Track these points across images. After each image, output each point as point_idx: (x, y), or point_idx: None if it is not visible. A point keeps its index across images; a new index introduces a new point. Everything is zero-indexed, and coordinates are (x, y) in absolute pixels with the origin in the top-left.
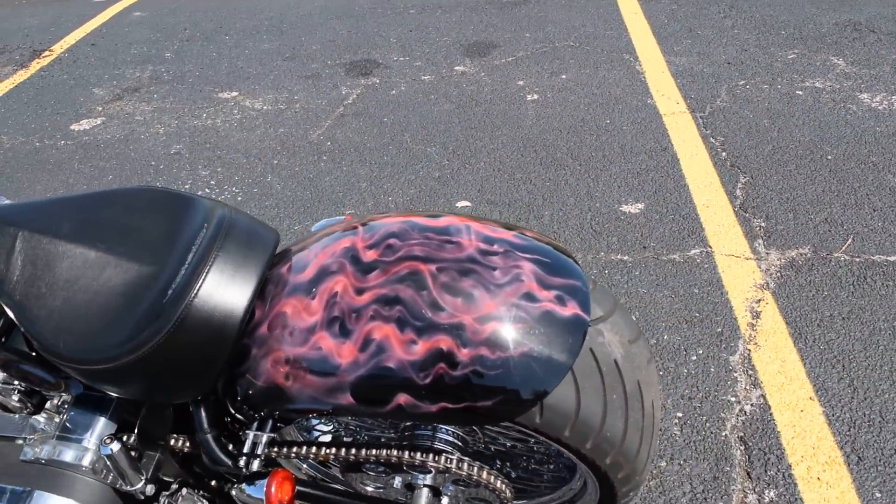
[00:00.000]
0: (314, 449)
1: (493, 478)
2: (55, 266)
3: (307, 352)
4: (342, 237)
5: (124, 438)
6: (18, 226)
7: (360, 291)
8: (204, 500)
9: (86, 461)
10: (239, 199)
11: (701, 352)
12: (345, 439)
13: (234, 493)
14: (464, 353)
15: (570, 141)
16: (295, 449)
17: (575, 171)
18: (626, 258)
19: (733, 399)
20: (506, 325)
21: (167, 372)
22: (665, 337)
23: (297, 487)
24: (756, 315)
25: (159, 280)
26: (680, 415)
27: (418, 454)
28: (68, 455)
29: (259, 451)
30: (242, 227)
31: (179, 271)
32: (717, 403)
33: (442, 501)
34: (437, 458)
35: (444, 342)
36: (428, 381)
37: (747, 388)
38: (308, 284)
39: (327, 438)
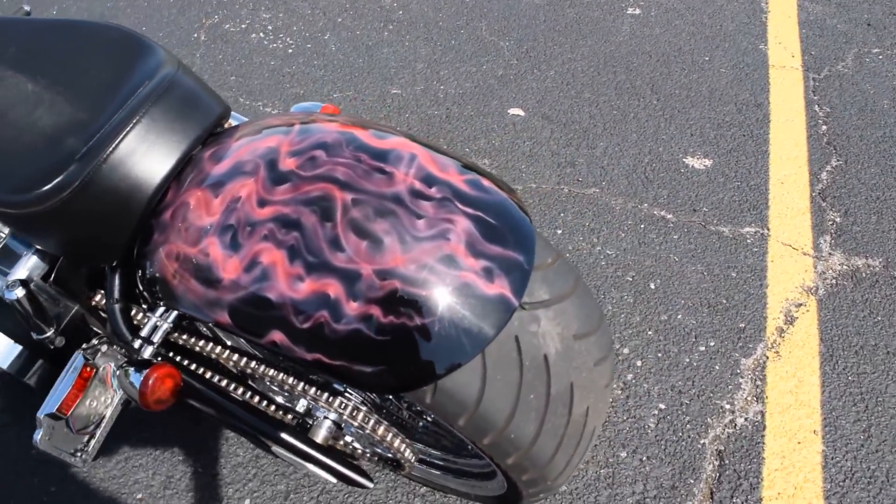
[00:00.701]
0: (210, 351)
1: (390, 435)
2: None
3: (195, 254)
4: (273, 134)
5: (31, 286)
6: None
7: (262, 203)
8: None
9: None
10: (290, 51)
11: (712, 344)
12: (248, 350)
13: (118, 373)
14: (352, 307)
15: (657, 70)
16: (191, 345)
17: (649, 105)
18: (669, 216)
19: (727, 406)
20: (410, 287)
21: (72, 231)
22: (679, 317)
23: (187, 389)
24: (790, 320)
25: (84, 131)
26: (662, 406)
27: (313, 389)
28: None
29: (154, 339)
30: (184, 93)
31: (104, 126)
32: (708, 406)
33: (345, 438)
34: (330, 400)
35: (333, 288)
36: (306, 326)
37: (748, 399)
38: (218, 179)
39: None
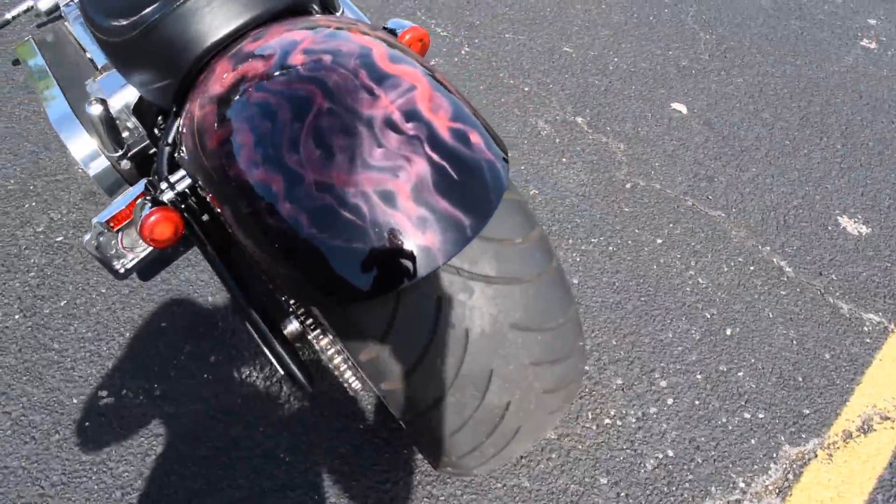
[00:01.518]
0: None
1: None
2: None
3: (199, 118)
4: (306, 29)
5: (108, 107)
6: None
7: (258, 88)
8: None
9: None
10: None
11: (761, 416)
12: None
13: (138, 202)
14: (285, 207)
15: (859, 114)
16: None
17: (830, 147)
18: (788, 269)
19: (741, 485)
20: (340, 208)
21: (141, 67)
22: (739, 374)
23: (188, 239)
24: (866, 429)
25: None
26: (670, 453)
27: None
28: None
29: (177, 187)
30: None
31: None
32: (720, 475)
33: (314, 342)
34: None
35: (276, 184)
36: (246, 211)
37: (769, 488)
38: (242, 56)
39: None
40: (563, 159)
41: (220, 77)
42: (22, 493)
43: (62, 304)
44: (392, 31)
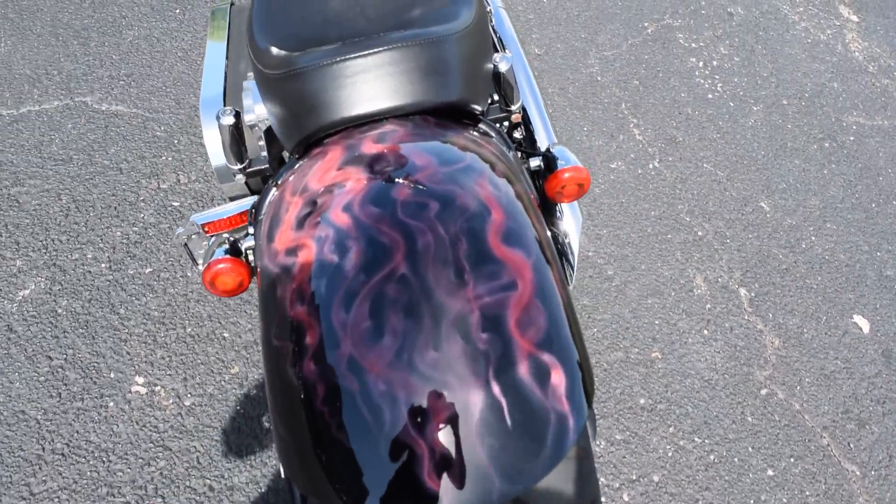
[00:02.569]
0: None
1: None
2: None
3: (286, 199)
4: (430, 155)
5: (240, 121)
6: None
7: (347, 209)
8: None
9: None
10: None
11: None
12: None
13: (214, 239)
14: (308, 367)
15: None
16: None
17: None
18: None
19: None
20: (359, 399)
21: (276, 103)
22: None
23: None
24: None
25: (351, 26)
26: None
27: None
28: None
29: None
30: (446, 56)
31: (363, 34)
32: None
33: None
34: None
35: (311, 333)
36: (274, 338)
37: None
38: (358, 155)
39: None
40: (705, 331)
41: (326, 168)
42: (24, 445)
43: (147, 270)
44: (550, 159)
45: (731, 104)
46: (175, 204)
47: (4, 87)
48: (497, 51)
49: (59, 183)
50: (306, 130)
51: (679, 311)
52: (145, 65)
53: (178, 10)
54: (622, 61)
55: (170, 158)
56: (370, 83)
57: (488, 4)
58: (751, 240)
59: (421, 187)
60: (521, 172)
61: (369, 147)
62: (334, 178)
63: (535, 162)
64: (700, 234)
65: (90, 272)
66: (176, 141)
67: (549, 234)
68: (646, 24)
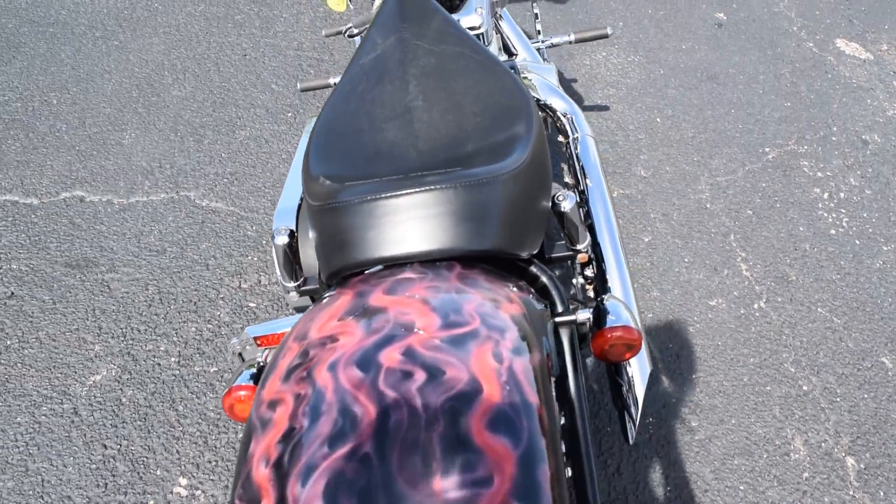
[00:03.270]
0: None
1: None
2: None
3: (286, 347)
4: (434, 313)
5: (294, 241)
6: None
7: (332, 368)
8: None
9: None
10: None
11: None
12: None
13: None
14: None
15: None
16: None
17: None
18: None
19: None
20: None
21: (314, 230)
22: None
23: None
24: None
25: (400, 164)
26: None
27: None
28: None
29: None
30: (492, 197)
31: (411, 172)
32: None
33: None
34: None
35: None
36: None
37: None
38: (362, 306)
39: None
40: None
41: (330, 315)
42: None
43: (213, 369)
44: (601, 313)
45: (857, 242)
46: (252, 305)
47: (121, 176)
48: (577, 180)
49: (149, 273)
50: (333, 267)
51: (770, 476)
52: (250, 164)
53: (290, 114)
54: (736, 188)
55: (255, 259)
56: (399, 226)
57: (576, 131)
58: (866, 400)
59: (418, 350)
60: (545, 337)
61: (377, 298)
62: (333, 329)
63: (585, 314)
64: (805, 388)
65: (159, 364)
66: (264, 242)
67: (557, 420)
68: (767, 149)
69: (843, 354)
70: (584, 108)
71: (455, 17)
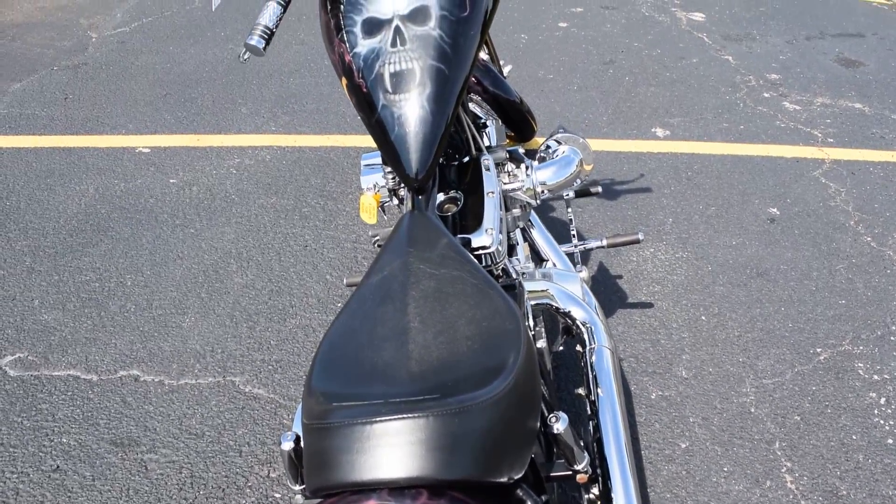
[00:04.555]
0: None
1: None
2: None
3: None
4: None
5: (296, 443)
6: None
7: None
8: None
9: None
10: None
11: None
12: None
13: None
14: None
15: None
16: None
17: None
18: None
19: None
20: None
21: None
22: None
23: None
24: None
25: (384, 386)
26: None
27: None
28: None
29: None
30: (464, 431)
31: (395, 396)
32: None
33: None
34: None
35: None
36: None
37: None
38: None
39: None
40: None
41: None
42: None
43: None
44: None
45: None
46: (277, 496)
47: (175, 358)
48: (589, 391)
49: (185, 455)
50: (312, 486)
51: None
52: (295, 353)
53: (339, 304)
54: (784, 392)
55: None
56: (372, 452)
57: (593, 342)
58: None
59: None
60: None
61: None
62: None
63: None
64: None
65: None
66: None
67: None
68: (818, 350)
69: None
70: (626, 306)
71: (467, 236)
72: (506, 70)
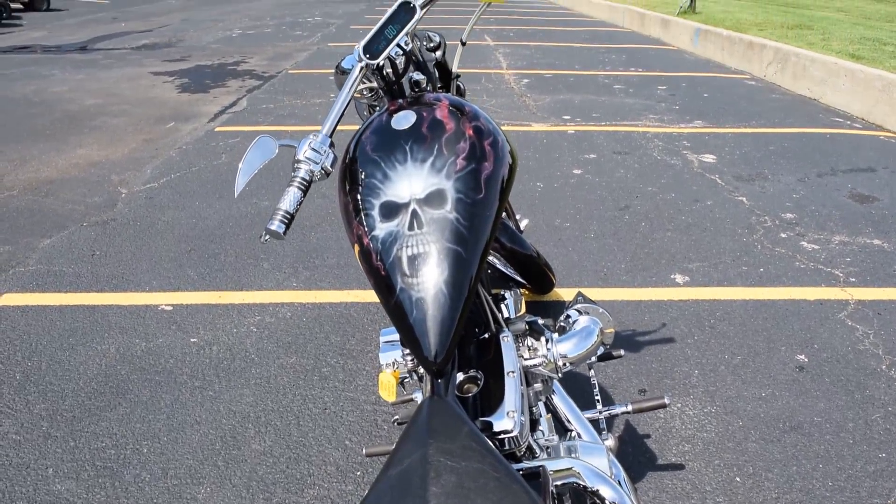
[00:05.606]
0: None
1: None
2: None
3: None
4: None
5: None
6: None
7: None
8: None
9: None
10: None
11: None
12: None
13: None
14: None
15: None
16: None
17: None
18: None
19: None
20: None
21: None
22: None
23: None
24: None
25: None
26: None
27: None
28: None
29: None
30: None
31: None
32: None
33: None
34: None
35: None
36: None
37: None
38: None
39: None
40: None
41: None
42: None
43: None
44: None
45: None
46: None
47: None
48: None
49: None
50: None
51: None
52: None
53: (359, 472)
54: None
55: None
56: None
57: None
58: None
59: None
60: None
61: None
62: None
63: None
64: None
65: None
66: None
67: None
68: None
69: None
70: (656, 468)
71: (489, 419)
72: (522, 224)
